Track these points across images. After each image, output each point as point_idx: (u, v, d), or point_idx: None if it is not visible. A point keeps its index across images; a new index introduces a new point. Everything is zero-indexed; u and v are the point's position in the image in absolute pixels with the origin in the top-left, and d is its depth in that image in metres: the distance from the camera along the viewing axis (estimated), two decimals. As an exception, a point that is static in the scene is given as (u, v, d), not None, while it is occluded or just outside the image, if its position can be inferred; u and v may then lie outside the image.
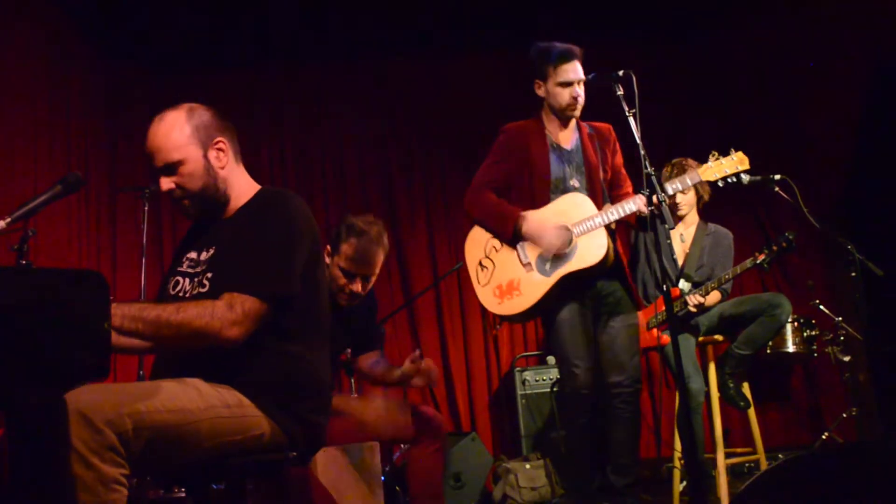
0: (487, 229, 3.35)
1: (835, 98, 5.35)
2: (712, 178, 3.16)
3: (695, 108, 5.99)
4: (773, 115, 5.89)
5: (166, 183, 2.18)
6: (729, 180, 3.17)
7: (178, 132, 2.17)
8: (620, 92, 2.81)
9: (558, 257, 3.17)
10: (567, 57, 3.24)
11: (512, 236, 3.24)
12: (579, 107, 3.29)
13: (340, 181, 5.93)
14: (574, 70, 3.24)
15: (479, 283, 3.36)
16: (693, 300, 3.77)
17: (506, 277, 3.27)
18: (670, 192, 3.14)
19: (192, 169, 2.17)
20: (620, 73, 2.81)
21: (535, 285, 3.20)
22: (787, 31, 5.55)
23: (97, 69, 5.42)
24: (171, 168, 2.17)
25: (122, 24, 5.26)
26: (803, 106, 5.76)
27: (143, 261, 4.44)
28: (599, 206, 3.22)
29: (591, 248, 3.15)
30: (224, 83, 5.69)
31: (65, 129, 4.90)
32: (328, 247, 3.14)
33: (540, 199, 3.25)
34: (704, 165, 3.17)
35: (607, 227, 3.19)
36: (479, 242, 3.40)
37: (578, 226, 3.17)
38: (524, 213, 3.21)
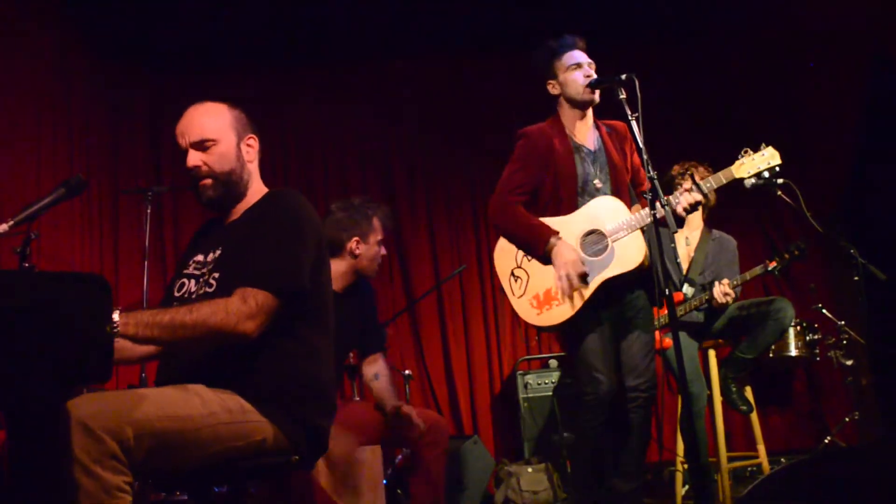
0: (516, 244, 3.19)
1: (836, 97, 5.35)
2: (745, 175, 3.06)
3: (693, 108, 5.97)
4: (774, 116, 5.88)
5: (194, 158, 2.18)
6: (764, 175, 3.08)
7: (217, 115, 2.24)
8: (623, 96, 2.78)
9: (595, 263, 3.06)
10: (569, 44, 3.21)
11: (541, 256, 3.09)
12: (597, 91, 3.17)
13: (342, 183, 5.93)
14: (580, 54, 3.19)
15: (513, 294, 3.18)
16: (723, 289, 3.71)
17: (542, 287, 3.11)
18: (705, 191, 3.04)
19: (224, 150, 2.20)
20: (623, 76, 2.77)
21: (574, 294, 3.06)
22: (787, 28, 5.55)
23: (99, 71, 5.42)
24: (203, 145, 2.18)
25: (123, 25, 5.26)
26: (803, 107, 5.75)
27: (146, 263, 4.44)
28: (627, 206, 3.14)
29: (630, 252, 3.06)
30: (225, 84, 5.67)
31: (67, 132, 4.91)
32: (356, 240, 3.28)
33: (567, 202, 3.14)
34: (737, 162, 3.07)
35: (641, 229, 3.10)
36: (509, 252, 3.22)
37: (614, 230, 3.07)
38: (557, 233, 3.06)
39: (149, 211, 4.46)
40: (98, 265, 5.13)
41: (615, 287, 3.10)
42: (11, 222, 2.10)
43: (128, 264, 5.37)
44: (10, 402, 1.64)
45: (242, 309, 1.93)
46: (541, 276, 3.13)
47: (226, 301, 1.94)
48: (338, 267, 3.26)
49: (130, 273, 5.28)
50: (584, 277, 3.00)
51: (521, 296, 3.16)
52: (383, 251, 3.41)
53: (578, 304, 3.05)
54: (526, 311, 3.15)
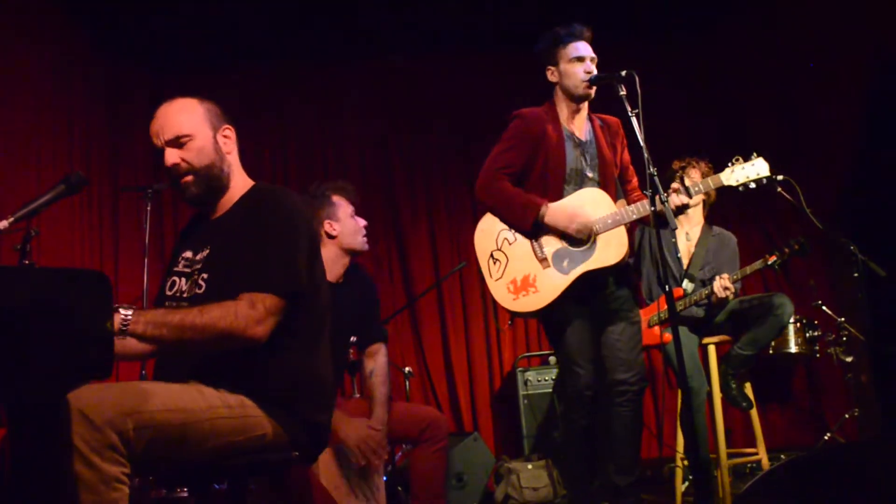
0: (503, 218, 3.16)
1: (836, 95, 5.35)
2: (734, 183, 3.07)
3: (694, 106, 5.97)
4: (774, 113, 5.88)
5: (172, 156, 2.14)
6: (751, 185, 3.10)
7: (189, 111, 2.20)
8: (623, 92, 2.78)
9: (576, 254, 3.07)
10: (576, 35, 3.19)
11: (531, 227, 3.08)
12: (594, 87, 3.15)
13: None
14: (584, 46, 3.17)
15: (490, 276, 3.14)
16: (723, 283, 3.72)
17: (520, 272, 3.10)
18: (692, 194, 3.05)
19: (201, 145, 2.17)
20: (623, 73, 2.77)
21: (552, 282, 3.05)
22: (787, 28, 5.55)
23: (99, 70, 5.42)
24: (179, 142, 2.15)
25: (123, 24, 5.26)
26: (804, 104, 5.75)
27: (146, 260, 4.45)
28: (613, 200, 3.14)
29: (612, 247, 3.05)
30: (225, 83, 5.69)
31: (67, 130, 4.91)
32: (328, 222, 3.27)
33: (553, 189, 3.12)
34: (727, 170, 3.08)
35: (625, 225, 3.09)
36: (490, 234, 3.19)
37: (598, 223, 3.06)
38: (547, 203, 3.07)
39: (148, 208, 4.47)
40: (98, 262, 5.13)
41: (595, 280, 3.10)
42: (11, 219, 2.09)
43: (128, 261, 5.38)
44: (11, 398, 1.64)
45: (251, 314, 1.93)
46: (520, 262, 3.12)
47: (235, 305, 1.94)
48: (326, 254, 3.26)
49: (130, 270, 5.28)
50: (591, 227, 3.03)
51: (499, 279, 3.13)
52: (361, 222, 3.38)
53: (556, 293, 3.05)
54: (502, 295, 3.12)
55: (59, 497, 1.66)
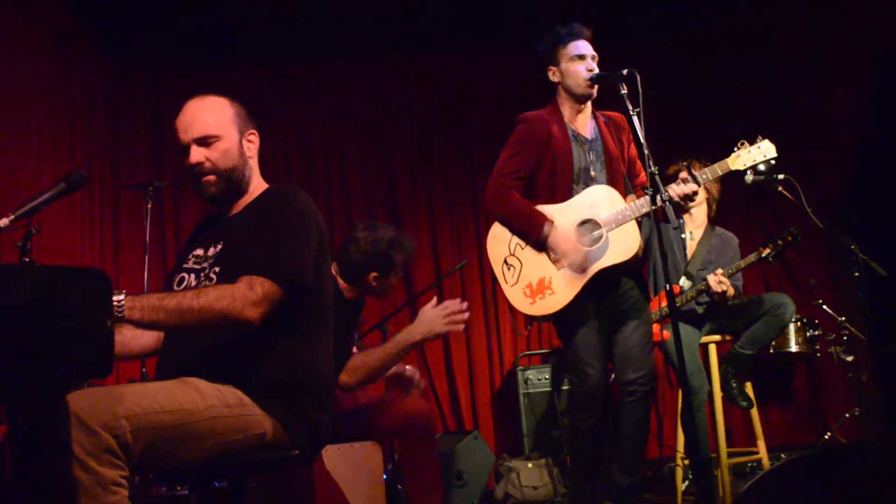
0: (510, 229, 3.17)
1: (837, 95, 5.35)
2: (741, 167, 3.07)
3: (693, 104, 5.96)
4: (774, 113, 5.87)
5: (197, 154, 2.15)
6: (750, 173, 3.08)
7: (220, 110, 2.21)
8: (624, 91, 2.77)
9: (590, 253, 3.03)
10: (576, 34, 3.18)
11: (536, 243, 3.09)
12: (596, 85, 3.15)
13: (343, 179, 5.94)
14: (585, 45, 3.17)
15: (506, 282, 3.14)
16: (717, 278, 3.72)
17: (535, 276, 3.09)
18: (700, 181, 3.04)
19: (227, 147, 2.18)
20: (625, 71, 2.77)
21: (568, 283, 3.04)
22: (787, 27, 5.54)
23: (100, 67, 5.42)
24: (206, 141, 2.16)
25: (125, 22, 5.25)
26: (804, 103, 5.75)
27: (147, 258, 4.45)
28: (622, 196, 3.12)
29: (624, 243, 3.03)
30: (226, 81, 5.67)
31: (68, 128, 4.91)
32: (375, 274, 3.19)
33: (562, 190, 3.12)
34: (733, 154, 3.08)
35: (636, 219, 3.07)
36: (502, 240, 3.18)
37: (609, 220, 3.04)
38: (551, 220, 3.05)
39: (149, 206, 4.47)
40: (98, 260, 5.13)
41: (609, 278, 3.08)
42: (12, 217, 2.10)
43: (129, 259, 5.37)
44: (11, 396, 1.64)
45: (248, 295, 1.93)
46: (534, 265, 3.11)
47: (232, 287, 1.94)
48: (353, 288, 3.26)
49: (131, 268, 5.28)
50: (584, 264, 3.00)
51: (514, 284, 3.13)
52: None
53: (573, 293, 3.04)
54: (519, 299, 3.12)
55: (57, 497, 1.66)
